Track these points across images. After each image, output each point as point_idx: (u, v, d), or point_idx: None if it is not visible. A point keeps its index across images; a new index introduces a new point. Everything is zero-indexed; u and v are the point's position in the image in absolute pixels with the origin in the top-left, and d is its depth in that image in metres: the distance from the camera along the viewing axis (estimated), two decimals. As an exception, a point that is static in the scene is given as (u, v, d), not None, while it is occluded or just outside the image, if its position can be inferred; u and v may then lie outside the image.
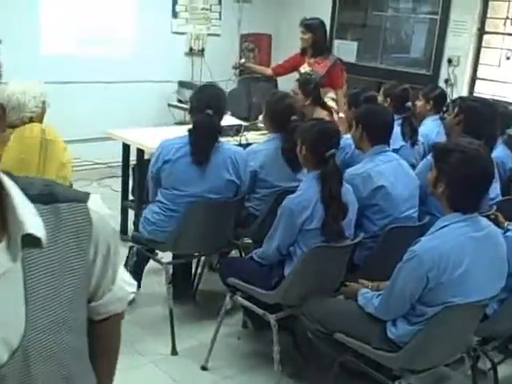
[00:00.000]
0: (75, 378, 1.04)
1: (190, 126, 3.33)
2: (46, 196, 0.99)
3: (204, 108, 3.29)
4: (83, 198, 1.05)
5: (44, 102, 3.26)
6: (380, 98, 4.37)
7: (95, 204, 1.07)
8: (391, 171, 3.19)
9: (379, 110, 3.44)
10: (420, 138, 4.19)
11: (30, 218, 0.94)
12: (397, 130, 3.98)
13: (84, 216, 1.03)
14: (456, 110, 3.76)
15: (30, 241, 0.93)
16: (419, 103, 4.67)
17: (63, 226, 1.00)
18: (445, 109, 4.53)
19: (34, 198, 0.97)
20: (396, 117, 3.92)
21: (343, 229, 2.83)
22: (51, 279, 0.97)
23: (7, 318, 0.93)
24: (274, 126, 3.66)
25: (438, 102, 4.60)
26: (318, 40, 5.42)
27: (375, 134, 3.25)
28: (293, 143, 3.24)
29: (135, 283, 1.29)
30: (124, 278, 1.24)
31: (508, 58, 5.86)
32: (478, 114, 3.59)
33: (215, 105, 3.30)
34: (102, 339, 1.13)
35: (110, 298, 1.18)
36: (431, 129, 4.46)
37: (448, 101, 4.76)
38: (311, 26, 5.40)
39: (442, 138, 4.16)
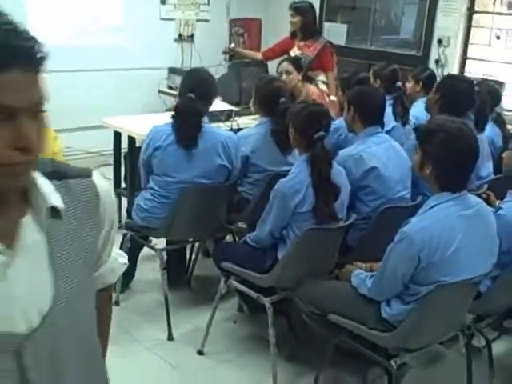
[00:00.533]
0: (94, 353, 1.14)
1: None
2: (57, 173, 1.07)
3: (187, 92, 3.29)
4: (88, 173, 1.13)
5: None
6: (370, 80, 4.36)
7: (99, 179, 1.14)
8: (383, 153, 3.20)
9: (371, 91, 3.43)
10: (411, 119, 4.18)
11: (51, 192, 1.02)
12: (388, 110, 3.98)
13: (92, 190, 1.10)
14: (434, 88, 3.76)
15: (51, 214, 1.01)
16: (409, 85, 4.66)
17: (75, 200, 1.07)
18: None
19: (48, 176, 1.05)
20: (387, 97, 3.92)
21: (335, 211, 2.83)
22: (70, 250, 1.05)
23: (37, 286, 1.00)
24: (263, 109, 3.65)
25: (428, 83, 4.58)
26: (307, 23, 5.40)
27: (367, 115, 3.25)
28: (282, 125, 3.27)
29: (126, 255, 1.34)
30: (116, 250, 1.28)
31: (498, 38, 5.86)
32: (453, 90, 3.59)
33: (200, 89, 3.29)
34: (98, 310, 1.17)
35: (105, 269, 1.24)
36: (422, 110, 4.45)
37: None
38: (300, 9, 5.38)
39: None
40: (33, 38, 0.97)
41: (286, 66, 4.70)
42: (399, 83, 4.24)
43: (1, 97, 0.90)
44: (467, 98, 3.62)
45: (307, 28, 5.38)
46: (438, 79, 4.61)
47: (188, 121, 3.25)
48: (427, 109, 3.83)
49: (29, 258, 0.99)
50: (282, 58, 4.95)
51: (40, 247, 1.01)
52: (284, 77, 4.65)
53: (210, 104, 3.42)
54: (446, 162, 2.35)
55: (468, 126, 2.48)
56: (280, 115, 3.42)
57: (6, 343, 0.95)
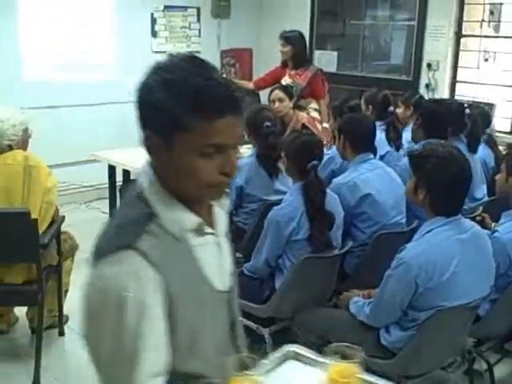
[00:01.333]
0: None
1: None
2: None
3: None
4: None
5: (25, 130, 3.25)
6: (362, 107, 4.39)
7: None
8: (377, 179, 3.21)
9: (360, 118, 3.47)
10: (404, 144, 4.20)
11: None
12: (381, 135, 4.01)
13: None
14: (415, 114, 3.80)
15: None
16: (399, 110, 4.68)
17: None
18: None
19: None
20: (379, 123, 3.96)
21: (330, 239, 2.84)
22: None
23: (228, 258, 1.43)
24: (254, 138, 3.68)
25: (419, 108, 4.61)
26: (297, 52, 5.45)
27: (358, 142, 3.27)
28: (266, 148, 3.42)
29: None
30: None
31: (486, 60, 5.91)
32: (432, 114, 3.62)
33: None
34: None
35: None
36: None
37: None
38: (290, 39, 5.44)
39: None
40: (238, 89, 1.24)
41: (278, 93, 4.74)
42: (391, 108, 4.28)
43: (219, 137, 1.21)
44: (455, 121, 3.64)
45: (298, 57, 5.43)
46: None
47: None
48: (413, 137, 3.85)
49: (224, 239, 1.41)
50: (273, 86, 4.99)
51: (225, 240, 1.43)
52: (276, 104, 4.69)
53: None
54: (439, 187, 2.36)
55: (459, 150, 2.50)
56: (263, 139, 3.51)
57: (223, 297, 1.40)
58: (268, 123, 3.57)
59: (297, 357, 1.54)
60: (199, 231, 1.31)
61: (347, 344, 1.40)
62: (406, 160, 3.55)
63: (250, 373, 1.29)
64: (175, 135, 1.21)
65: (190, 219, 1.30)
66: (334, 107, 4.38)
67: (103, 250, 1.25)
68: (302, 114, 4.83)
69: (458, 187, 2.38)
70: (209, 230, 1.34)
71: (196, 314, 1.29)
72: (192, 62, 1.24)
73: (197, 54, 1.31)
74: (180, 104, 1.18)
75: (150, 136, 1.26)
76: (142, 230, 1.24)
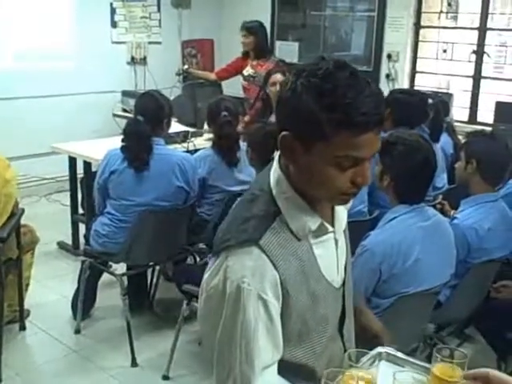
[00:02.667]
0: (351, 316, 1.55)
1: None
2: None
3: (137, 115, 3.33)
4: None
5: None
6: None
7: None
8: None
9: None
10: None
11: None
12: None
13: None
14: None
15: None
16: None
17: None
18: None
19: None
20: None
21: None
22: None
23: (345, 258, 1.48)
24: (212, 128, 3.70)
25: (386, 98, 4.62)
26: (259, 42, 5.46)
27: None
28: (221, 138, 3.49)
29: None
30: None
31: (445, 51, 6.01)
32: (402, 104, 3.67)
33: (149, 112, 3.31)
34: None
35: None
36: None
37: None
38: (252, 29, 5.43)
39: None
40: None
41: (279, 76, 4.69)
42: None
43: (359, 151, 1.23)
44: (419, 111, 3.70)
45: (260, 47, 5.44)
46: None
47: (135, 142, 3.25)
48: None
49: (342, 236, 1.45)
50: (274, 70, 4.92)
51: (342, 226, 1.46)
52: (277, 87, 4.66)
53: (163, 126, 3.40)
54: (404, 174, 2.40)
55: (425, 139, 2.53)
56: (219, 128, 3.55)
57: (338, 292, 1.45)
58: (225, 113, 3.57)
59: (388, 358, 1.55)
60: (320, 231, 1.36)
61: (452, 347, 1.46)
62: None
63: (359, 366, 1.35)
64: (316, 143, 1.23)
65: (314, 220, 1.34)
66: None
67: (227, 242, 1.30)
68: None
69: (423, 176, 2.42)
70: (329, 228, 1.38)
71: (308, 309, 1.34)
72: (345, 71, 1.23)
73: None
74: (329, 115, 1.19)
75: (287, 137, 1.27)
76: (267, 226, 1.30)
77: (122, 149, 3.26)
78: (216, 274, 1.30)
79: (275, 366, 1.30)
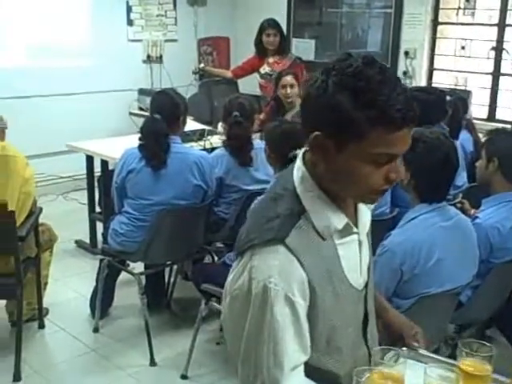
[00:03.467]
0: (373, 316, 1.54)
1: None
2: None
3: (154, 113, 3.33)
4: None
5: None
6: None
7: None
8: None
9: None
10: None
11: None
12: None
13: None
14: None
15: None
16: None
17: None
18: None
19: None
20: None
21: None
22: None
23: (368, 259, 1.48)
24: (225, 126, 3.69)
25: None
26: (284, 40, 5.47)
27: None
28: (230, 138, 3.52)
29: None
30: None
31: (463, 48, 5.95)
32: (423, 103, 3.62)
33: (166, 110, 3.30)
34: None
35: None
36: None
37: None
38: (280, 27, 5.43)
39: None
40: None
41: (290, 79, 4.68)
42: None
43: (394, 148, 1.24)
44: (438, 109, 3.66)
45: (283, 45, 5.43)
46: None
47: (152, 141, 3.24)
48: None
49: (365, 237, 1.44)
50: (283, 72, 4.90)
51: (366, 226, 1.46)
52: (289, 90, 4.65)
53: (179, 124, 3.40)
54: (425, 172, 2.36)
55: (447, 137, 2.50)
56: (229, 127, 3.55)
57: (360, 293, 1.43)
58: (237, 113, 3.55)
59: (412, 355, 1.55)
60: (345, 231, 1.35)
61: (479, 341, 1.44)
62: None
63: (386, 363, 1.35)
64: (350, 141, 1.22)
65: (339, 220, 1.33)
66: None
67: (252, 242, 1.28)
68: None
69: (444, 174, 2.39)
70: (354, 229, 1.38)
71: (334, 311, 1.33)
72: (374, 67, 1.22)
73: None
74: (365, 113, 1.19)
75: (318, 137, 1.26)
76: (292, 225, 1.28)
77: (140, 147, 3.26)
78: (241, 275, 1.28)
79: (302, 367, 1.28)
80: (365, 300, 1.46)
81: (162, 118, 3.28)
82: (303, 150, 1.39)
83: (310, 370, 1.30)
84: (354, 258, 1.40)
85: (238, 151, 3.56)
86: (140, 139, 3.29)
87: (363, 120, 1.19)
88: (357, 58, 1.24)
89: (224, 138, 3.82)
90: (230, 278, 1.33)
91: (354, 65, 1.22)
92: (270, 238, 1.26)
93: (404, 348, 1.56)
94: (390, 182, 1.28)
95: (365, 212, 1.45)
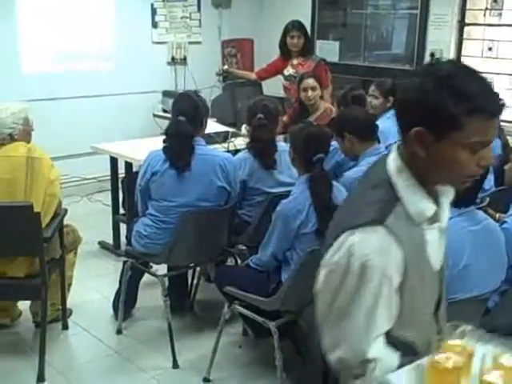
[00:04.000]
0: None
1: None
2: None
3: (177, 115, 3.32)
4: None
5: (25, 119, 3.21)
6: (378, 97, 4.24)
7: None
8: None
9: (356, 110, 3.45)
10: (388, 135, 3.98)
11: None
12: (391, 124, 3.95)
13: None
14: None
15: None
16: (376, 101, 4.26)
17: None
18: None
19: None
20: (393, 112, 3.91)
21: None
22: None
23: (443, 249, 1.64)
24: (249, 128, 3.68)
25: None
26: (308, 41, 5.44)
27: (363, 131, 3.24)
28: (253, 141, 3.50)
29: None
30: None
31: (490, 49, 5.86)
32: None
33: (189, 112, 3.30)
34: None
35: None
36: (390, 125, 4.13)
37: None
38: (305, 29, 5.41)
39: None
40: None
41: (311, 81, 4.68)
42: None
43: (487, 136, 1.41)
44: None
45: (307, 46, 5.41)
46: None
47: (178, 142, 3.24)
48: None
49: (445, 224, 1.61)
50: (305, 75, 4.90)
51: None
52: (310, 93, 4.65)
53: (202, 126, 3.39)
54: None
55: None
56: (253, 129, 3.55)
57: (437, 276, 1.60)
58: (261, 115, 3.54)
59: (475, 334, 1.60)
60: (433, 218, 1.51)
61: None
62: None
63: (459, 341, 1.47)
64: (450, 132, 1.38)
65: (430, 208, 1.49)
66: (339, 96, 4.31)
67: (353, 222, 1.43)
68: (330, 107, 4.75)
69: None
70: (439, 217, 1.55)
71: (417, 290, 1.49)
72: (462, 67, 1.45)
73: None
74: (462, 107, 1.36)
75: (420, 132, 1.40)
76: (390, 210, 1.44)
77: (164, 149, 3.26)
78: (338, 251, 1.43)
79: (383, 336, 1.45)
80: (440, 283, 1.64)
81: (186, 119, 3.28)
82: (397, 143, 1.53)
83: (390, 339, 1.47)
84: (435, 243, 1.56)
85: (261, 154, 3.54)
86: (164, 141, 3.29)
87: (462, 113, 1.36)
88: (444, 62, 1.48)
89: (248, 140, 3.81)
90: (327, 256, 1.46)
91: (446, 67, 1.43)
92: (371, 219, 1.42)
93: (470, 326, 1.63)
94: (482, 167, 1.44)
95: (447, 204, 1.60)
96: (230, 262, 3.87)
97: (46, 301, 3.16)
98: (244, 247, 3.68)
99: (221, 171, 3.32)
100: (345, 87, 4.47)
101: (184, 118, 3.27)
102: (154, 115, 6.18)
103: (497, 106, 1.41)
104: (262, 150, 3.54)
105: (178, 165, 3.21)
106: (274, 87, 5.87)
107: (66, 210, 3.42)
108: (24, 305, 3.57)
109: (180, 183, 3.24)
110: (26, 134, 3.23)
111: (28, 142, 3.21)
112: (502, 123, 4.86)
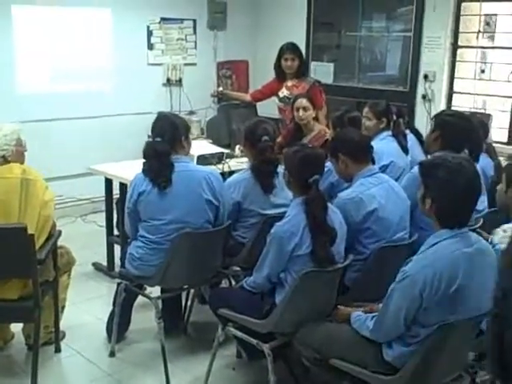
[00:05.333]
0: None
1: None
2: None
3: (155, 136, 3.37)
4: None
5: (18, 140, 3.22)
6: (371, 118, 4.26)
7: None
8: (382, 194, 3.16)
9: (350, 131, 3.46)
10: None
11: None
12: (388, 145, 4.01)
13: None
14: (431, 126, 3.76)
15: None
16: (370, 123, 4.20)
17: None
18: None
19: None
20: (387, 133, 4.06)
21: (332, 254, 2.80)
22: None
23: None
24: (250, 153, 3.65)
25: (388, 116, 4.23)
26: (302, 64, 5.47)
27: (358, 153, 3.24)
28: (262, 164, 3.48)
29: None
30: None
31: (483, 71, 5.92)
32: (454, 128, 3.59)
33: (167, 132, 3.33)
34: None
35: None
36: (387, 146, 4.06)
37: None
38: (299, 51, 5.44)
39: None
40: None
41: (303, 101, 4.70)
42: (401, 119, 4.23)
43: None
44: (467, 134, 3.62)
45: (301, 68, 5.44)
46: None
47: (155, 162, 3.26)
48: (426, 147, 3.81)
49: None
50: (298, 95, 4.94)
51: None
52: (301, 113, 4.67)
53: (182, 145, 3.39)
54: (446, 197, 2.34)
55: (470, 162, 2.47)
56: (260, 153, 3.51)
57: None
58: (266, 137, 3.54)
59: None
60: None
61: None
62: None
63: None
64: None
65: None
66: (334, 118, 4.32)
67: None
68: (325, 128, 4.77)
69: (465, 200, 2.35)
70: None
71: None
72: None
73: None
74: None
75: None
76: None
77: (144, 171, 3.28)
78: None
79: None
80: None
81: (164, 140, 3.31)
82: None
83: None
84: None
85: (265, 176, 3.54)
86: (144, 164, 3.32)
87: None
88: None
89: (241, 160, 3.81)
90: None
91: None
92: None
93: None
94: None
95: None
96: (225, 283, 3.86)
97: (39, 323, 3.14)
98: (238, 268, 3.68)
99: (206, 185, 3.32)
100: (341, 109, 4.48)
101: (161, 138, 3.30)
102: (149, 136, 6.18)
103: None
104: (268, 173, 3.54)
105: (159, 182, 3.23)
106: (268, 108, 5.90)
107: (60, 232, 3.41)
108: (17, 327, 3.54)
109: (164, 201, 3.24)
110: (19, 155, 3.24)
111: (21, 163, 3.22)
112: (494, 144, 4.90)
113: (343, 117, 4.15)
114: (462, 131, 3.57)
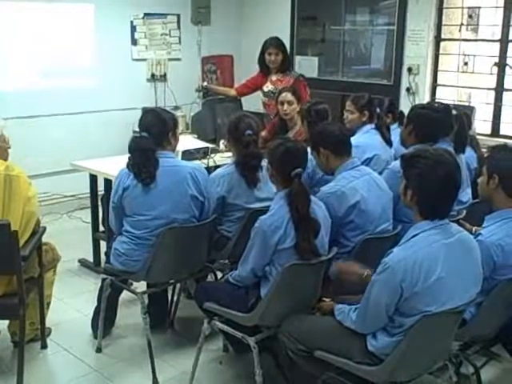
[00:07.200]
0: None
1: None
2: None
3: (141, 131, 3.35)
4: None
5: (1, 137, 3.21)
6: (354, 111, 4.28)
7: None
8: (364, 186, 3.19)
9: (330, 125, 3.47)
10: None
11: None
12: (376, 137, 4.04)
13: None
14: (405, 120, 3.79)
15: None
16: (352, 116, 4.29)
17: None
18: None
19: None
20: (370, 126, 4.12)
21: (316, 247, 2.81)
22: None
23: None
24: (235, 147, 3.65)
25: (370, 109, 4.29)
26: (286, 58, 5.47)
27: (338, 147, 3.26)
28: (246, 157, 3.47)
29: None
30: None
31: (466, 64, 5.95)
32: (425, 120, 3.61)
33: (154, 127, 3.32)
34: None
35: None
36: (368, 139, 4.11)
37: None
38: (282, 46, 5.44)
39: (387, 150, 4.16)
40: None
41: (288, 95, 4.70)
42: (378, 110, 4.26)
43: None
44: (441, 125, 3.65)
45: (285, 63, 5.44)
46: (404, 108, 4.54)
47: (139, 157, 3.25)
48: (402, 141, 3.83)
49: None
50: (282, 89, 4.93)
51: None
52: (285, 107, 4.67)
53: (169, 140, 3.39)
54: (426, 189, 2.36)
55: (451, 154, 2.49)
56: (244, 147, 3.51)
57: None
58: (249, 131, 3.55)
59: None
60: None
61: None
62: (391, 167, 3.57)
63: None
64: None
65: None
66: (303, 111, 4.31)
67: None
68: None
69: (446, 191, 2.37)
70: None
71: None
72: None
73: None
74: None
75: None
76: None
77: (128, 166, 3.28)
78: None
79: None
80: None
81: (150, 135, 3.30)
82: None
83: None
84: None
85: (250, 170, 3.55)
86: (129, 158, 3.31)
87: None
88: None
89: (226, 155, 3.81)
90: None
91: None
92: None
93: None
94: None
95: None
96: (211, 278, 3.87)
97: (25, 320, 3.13)
98: (226, 261, 3.68)
99: (191, 180, 3.33)
100: (310, 101, 4.49)
101: (148, 133, 3.30)
102: (134, 132, 6.16)
103: None
104: (253, 167, 3.54)
105: (142, 178, 3.22)
106: (253, 103, 5.90)
107: (44, 228, 3.40)
108: (2, 324, 3.53)
109: (149, 196, 3.24)
110: (2, 151, 3.22)
111: (5, 159, 3.20)
112: (478, 136, 4.94)
113: (311, 109, 4.16)
114: (434, 122, 3.60)
